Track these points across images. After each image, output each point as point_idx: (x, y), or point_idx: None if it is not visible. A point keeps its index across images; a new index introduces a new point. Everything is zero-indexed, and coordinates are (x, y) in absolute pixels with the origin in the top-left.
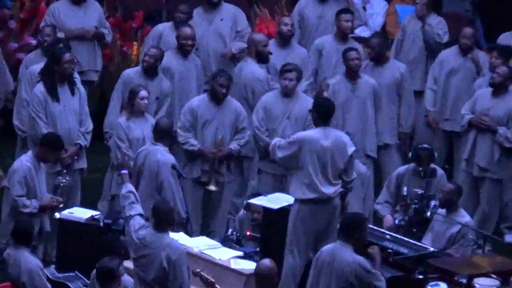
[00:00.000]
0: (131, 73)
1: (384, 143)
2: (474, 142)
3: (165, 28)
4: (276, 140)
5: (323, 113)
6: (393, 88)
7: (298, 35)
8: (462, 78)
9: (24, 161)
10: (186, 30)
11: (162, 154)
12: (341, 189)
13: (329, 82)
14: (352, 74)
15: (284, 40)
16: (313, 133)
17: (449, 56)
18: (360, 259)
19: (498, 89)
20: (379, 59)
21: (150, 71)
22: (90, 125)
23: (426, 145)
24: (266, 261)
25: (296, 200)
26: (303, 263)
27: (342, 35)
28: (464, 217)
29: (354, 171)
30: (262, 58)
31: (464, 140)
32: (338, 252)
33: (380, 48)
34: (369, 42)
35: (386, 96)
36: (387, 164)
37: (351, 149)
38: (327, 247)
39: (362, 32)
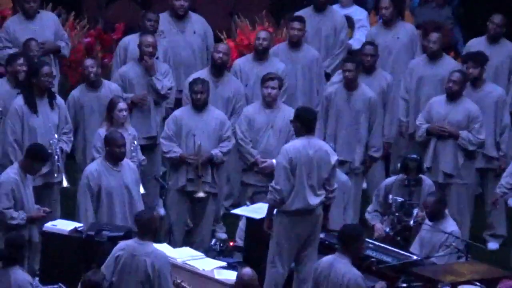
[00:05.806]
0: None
1: (370, 154)
2: (435, 150)
3: (130, 40)
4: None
5: (306, 123)
6: (379, 98)
7: None
8: (432, 86)
9: (11, 173)
10: (148, 38)
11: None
12: (324, 199)
13: (328, 90)
14: (347, 84)
15: (259, 54)
16: (298, 143)
17: (418, 64)
18: (356, 273)
19: (454, 96)
20: (370, 68)
21: None
22: (72, 136)
23: (415, 156)
24: (247, 270)
25: (278, 211)
26: (286, 273)
27: (292, 43)
28: (451, 226)
29: (336, 181)
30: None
31: (423, 149)
32: (336, 263)
33: (375, 56)
34: (364, 49)
35: None
36: (370, 173)
37: (334, 158)
38: (326, 258)
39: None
